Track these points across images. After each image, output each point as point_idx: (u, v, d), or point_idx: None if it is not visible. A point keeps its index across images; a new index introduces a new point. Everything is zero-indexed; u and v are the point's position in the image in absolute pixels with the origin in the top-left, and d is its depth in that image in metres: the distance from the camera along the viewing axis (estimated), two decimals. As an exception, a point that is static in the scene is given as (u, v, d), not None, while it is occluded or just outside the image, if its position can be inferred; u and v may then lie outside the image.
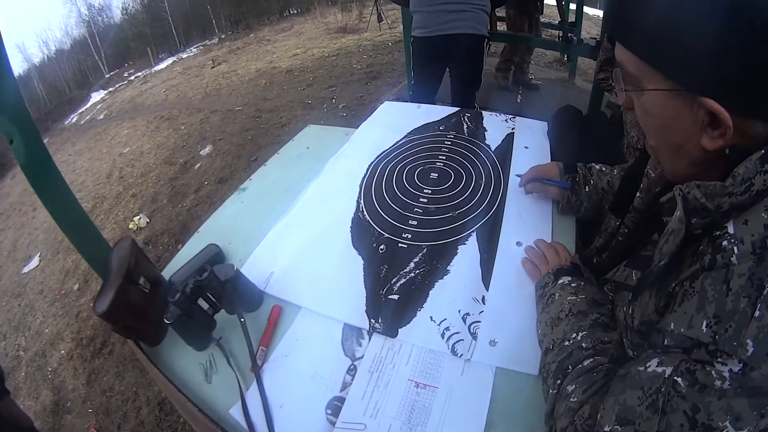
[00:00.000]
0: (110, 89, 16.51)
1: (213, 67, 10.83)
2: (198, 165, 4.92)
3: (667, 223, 0.64)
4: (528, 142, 1.56)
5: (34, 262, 4.56)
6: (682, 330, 0.55)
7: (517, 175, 1.33)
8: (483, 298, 0.99)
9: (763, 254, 0.51)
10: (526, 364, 0.85)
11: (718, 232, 0.56)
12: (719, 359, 0.50)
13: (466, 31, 2.42)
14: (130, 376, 2.53)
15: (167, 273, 1.16)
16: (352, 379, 0.85)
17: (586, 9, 5.09)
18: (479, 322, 0.93)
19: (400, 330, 0.93)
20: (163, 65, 17.01)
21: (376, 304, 1.00)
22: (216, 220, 1.38)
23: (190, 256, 1.19)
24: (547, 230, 1.17)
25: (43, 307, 3.69)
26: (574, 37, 3.91)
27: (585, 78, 4.96)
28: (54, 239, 4.64)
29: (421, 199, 1.32)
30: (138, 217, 4.18)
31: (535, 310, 0.94)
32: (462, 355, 0.87)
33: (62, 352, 3.02)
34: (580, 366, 0.73)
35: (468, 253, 1.12)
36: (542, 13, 4.60)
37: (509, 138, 1.59)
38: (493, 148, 1.55)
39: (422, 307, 0.98)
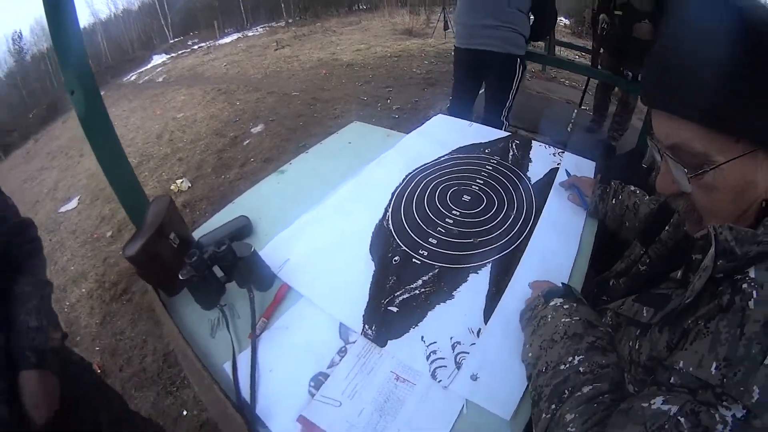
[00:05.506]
0: (172, 54, 16.79)
1: (276, 50, 10.90)
2: (247, 141, 4.99)
3: (696, 260, 0.64)
4: None
5: (73, 203, 4.76)
6: (690, 369, 0.55)
7: (560, 184, 1.44)
8: (478, 331, 0.97)
9: None
10: (501, 406, 0.83)
11: (739, 276, 0.56)
12: (724, 403, 0.50)
13: (495, 48, 2.47)
14: (143, 325, 2.61)
15: (198, 234, 1.24)
16: (341, 360, 0.92)
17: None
18: (467, 353, 0.93)
19: (389, 341, 0.95)
20: (227, 39, 17.11)
21: (374, 312, 1.02)
22: (251, 195, 1.46)
23: (221, 223, 1.26)
24: (565, 275, 1.12)
25: (73, 246, 3.86)
26: (629, 73, 3.44)
27: (638, 116, 4.70)
28: (95, 186, 4.82)
29: (447, 219, 1.32)
30: (181, 180, 4.28)
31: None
32: (441, 381, 0.87)
33: (83, 290, 3.15)
34: (579, 393, 0.69)
35: (478, 283, 1.11)
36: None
37: (551, 173, 1.54)
38: (533, 182, 1.51)
39: (417, 326, 0.99)
